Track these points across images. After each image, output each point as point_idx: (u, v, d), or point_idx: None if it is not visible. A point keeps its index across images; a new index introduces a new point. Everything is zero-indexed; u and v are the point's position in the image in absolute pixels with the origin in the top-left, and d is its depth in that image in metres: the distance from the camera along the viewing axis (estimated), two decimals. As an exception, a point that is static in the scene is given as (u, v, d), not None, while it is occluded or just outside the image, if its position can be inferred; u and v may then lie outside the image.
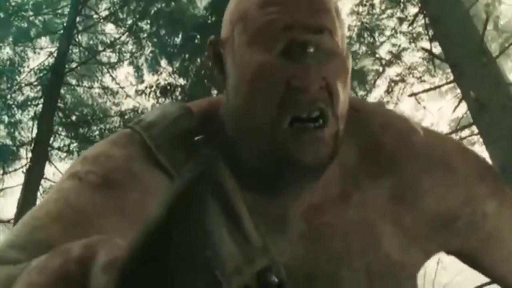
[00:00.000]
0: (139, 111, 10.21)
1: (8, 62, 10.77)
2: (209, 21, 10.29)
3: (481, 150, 8.77)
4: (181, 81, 10.41)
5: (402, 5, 9.76)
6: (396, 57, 9.76)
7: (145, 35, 11.05)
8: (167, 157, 0.88)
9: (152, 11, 10.94)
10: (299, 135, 0.83)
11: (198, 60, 10.38)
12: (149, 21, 10.98)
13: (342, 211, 0.93)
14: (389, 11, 9.85)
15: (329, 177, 0.91)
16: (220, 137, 0.89)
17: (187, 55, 10.46)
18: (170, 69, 10.73)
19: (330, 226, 0.93)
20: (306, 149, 0.83)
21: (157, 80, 10.54)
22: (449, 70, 7.64)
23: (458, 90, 7.33)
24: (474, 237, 1.01)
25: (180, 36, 10.74)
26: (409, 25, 9.53)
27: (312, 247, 0.92)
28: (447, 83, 8.37)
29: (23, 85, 10.83)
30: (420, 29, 9.50)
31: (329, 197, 0.93)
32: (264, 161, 0.86)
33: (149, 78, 10.86)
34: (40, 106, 10.59)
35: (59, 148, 10.58)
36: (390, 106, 8.91)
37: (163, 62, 10.86)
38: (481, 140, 8.28)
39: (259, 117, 0.84)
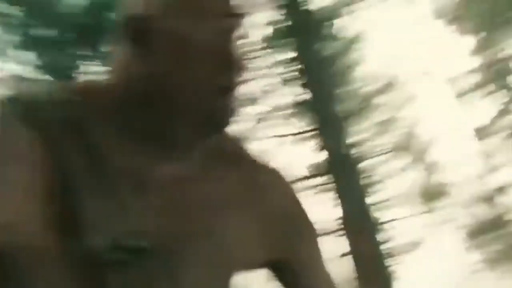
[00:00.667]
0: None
1: None
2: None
3: (335, 197, 9.12)
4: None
5: (281, 49, 10.01)
6: (265, 96, 9.96)
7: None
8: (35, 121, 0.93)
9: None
10: (223, 100, 0.98)
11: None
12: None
13: (198, 189, 1.01)
14: (268, 50, 10.07)
15: (192, 155, 1.01)
16: (103, 107, 0.98)
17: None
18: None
19: (187, 201, 0.99)
20: (226, 112, 0.98)
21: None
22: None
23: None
24: (299, 246, 1.10)
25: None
26: (284, 68, 9.78)
27: (169, 218, 0.97)
28: (311, 130, 8.68)
29: None
30: (295, 73, 9.78)
31: (190, 173, 1.01)
32: (193, 123, 0.97)
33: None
34: None
35: None
36: (254, 143, 9.07)
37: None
38: (335, 187, 8.64)
39: (199, 85, 0.96)
